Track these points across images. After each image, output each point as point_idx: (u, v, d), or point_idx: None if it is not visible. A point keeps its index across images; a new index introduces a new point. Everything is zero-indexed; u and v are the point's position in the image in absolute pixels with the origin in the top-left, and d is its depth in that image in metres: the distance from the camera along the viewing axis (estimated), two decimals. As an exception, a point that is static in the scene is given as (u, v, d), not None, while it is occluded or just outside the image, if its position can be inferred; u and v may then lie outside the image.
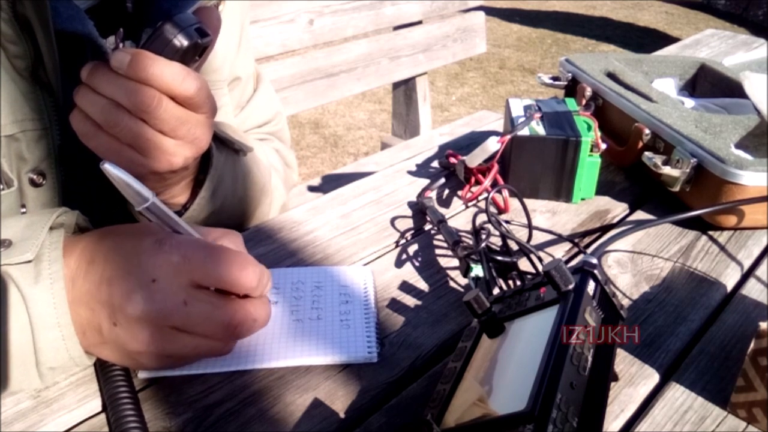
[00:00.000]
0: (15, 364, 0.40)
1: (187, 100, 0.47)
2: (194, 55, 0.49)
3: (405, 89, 1.90)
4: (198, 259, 0.41)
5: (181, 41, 0.45)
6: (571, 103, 0.75)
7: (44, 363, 0.41)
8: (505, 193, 0.69)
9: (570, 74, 0.88)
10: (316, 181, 1.64)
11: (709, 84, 0.90)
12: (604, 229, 0.67)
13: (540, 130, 0.68)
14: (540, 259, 0.54)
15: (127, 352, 0.42)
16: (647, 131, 0.71)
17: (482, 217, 0.60)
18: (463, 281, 0.57)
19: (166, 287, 0.40)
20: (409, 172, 0.78)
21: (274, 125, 0.84)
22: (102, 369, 0.43)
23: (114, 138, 0.48)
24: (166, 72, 0.45)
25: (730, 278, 0.59)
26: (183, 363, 0.45)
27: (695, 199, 0.66)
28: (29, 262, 0.40)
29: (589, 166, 0.68)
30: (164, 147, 0.49)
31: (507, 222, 0.64)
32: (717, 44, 1.36)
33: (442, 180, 0.75)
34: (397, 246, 0.63)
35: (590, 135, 0.67)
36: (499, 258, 0.54)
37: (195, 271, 0.41)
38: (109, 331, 0.41)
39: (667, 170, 0.66)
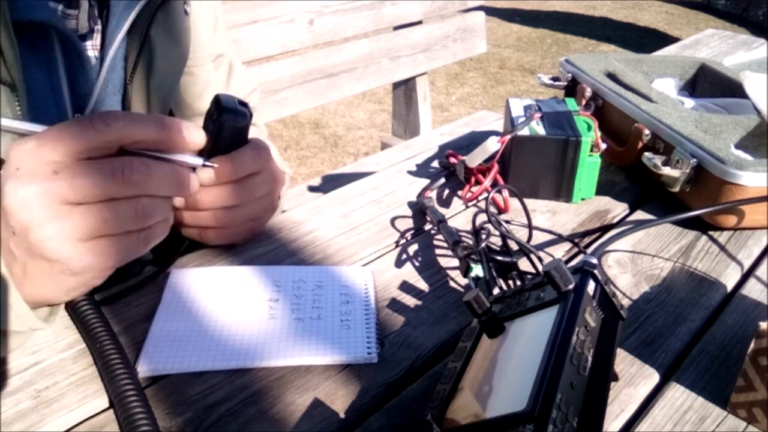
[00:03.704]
0: None
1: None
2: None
3: (405, 89, 1.90)
4: (53, 135, 0.41)
5: (241, 122, 0.53)
6: (571, 103, 0.75)
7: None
8: (505, 193, 0.69)
9: (570, 74, 0.88)
10: (316, 181, 1.64)
11: (709, 84, 0.90)
12: (604, 229, 0.67)
13: (540, 130, 0.68)
14: (540, 259, 0.54)
15: (49, 265, 0.42)
16: (647, 131, 0.71)
17: (482, 217, 0.60)
18: (463, 281, 0.57)
19: (30, 167, 0.41)
20: (409, 172, 0.78)
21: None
22: (104, 363, 0.43)
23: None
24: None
25: (730, 278, 0.59)
26: (119, 260, 0.44)
27: (695, 199, 0.66)
28: None
29: (589, 166, 0.68)
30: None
31: (507, 222, 0.64)
32: (717, 44, 1.36)
33: (442, 180, 0.75)
34: (397, 246, 0.63)
35: (590, 135, 0.67)
36: (499, 258, 0.54)
37: (55, 145, 0.41)
38: (16, 246, 0.41)
39: (667, 170, 0.66)
